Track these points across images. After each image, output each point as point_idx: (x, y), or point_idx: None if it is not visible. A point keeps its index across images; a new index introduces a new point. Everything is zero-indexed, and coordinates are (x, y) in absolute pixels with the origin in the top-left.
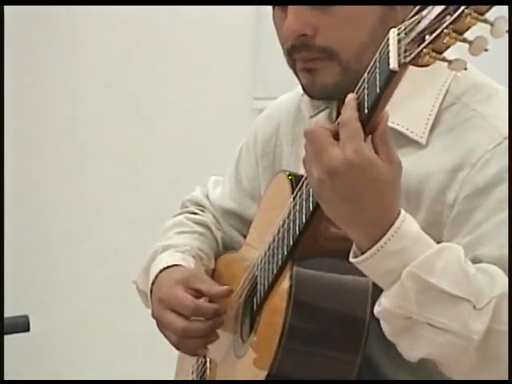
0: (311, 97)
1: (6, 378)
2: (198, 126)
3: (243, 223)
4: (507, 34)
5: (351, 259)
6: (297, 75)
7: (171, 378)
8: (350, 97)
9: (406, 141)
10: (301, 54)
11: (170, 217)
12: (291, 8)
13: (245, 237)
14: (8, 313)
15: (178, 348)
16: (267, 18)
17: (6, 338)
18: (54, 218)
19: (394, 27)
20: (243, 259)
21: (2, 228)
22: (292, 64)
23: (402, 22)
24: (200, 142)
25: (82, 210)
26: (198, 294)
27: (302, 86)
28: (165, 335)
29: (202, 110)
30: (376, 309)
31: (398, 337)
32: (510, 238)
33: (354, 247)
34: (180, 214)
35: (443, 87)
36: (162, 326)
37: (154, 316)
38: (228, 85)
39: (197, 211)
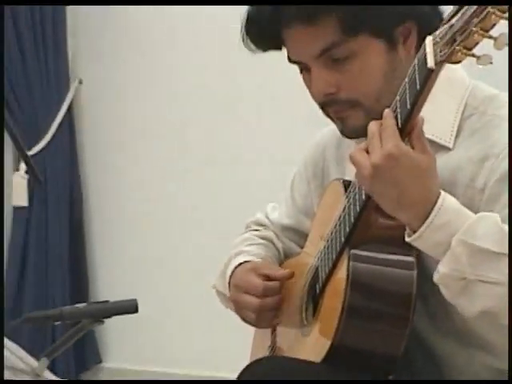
0: (348, 137)
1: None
2: (292, 144)
3: (299, 236)
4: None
5: (406, 239)
6: (333, 121)
7: None
8: (387, 111)
9: (437, 147)
10: (331, 108)
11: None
12: (313, 73)
13: (301, 247)
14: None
15: (255, 324)
16: None
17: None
18: (151, 212)
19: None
20: (303, 262)
21: (2, 227)
22: (327, 114)
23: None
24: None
25: (181, 208)
26: (266, 278)
27: (339, 130)
28: (242, 316)
29: (297, 129)
30: (435, 276)
31: (458, 297)
32: (510, 237)
33: (407, 229)
34: (245, 232)
35: (462, 101)
36: (239, 307)
37: (232, 301)
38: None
39: (260, 229)
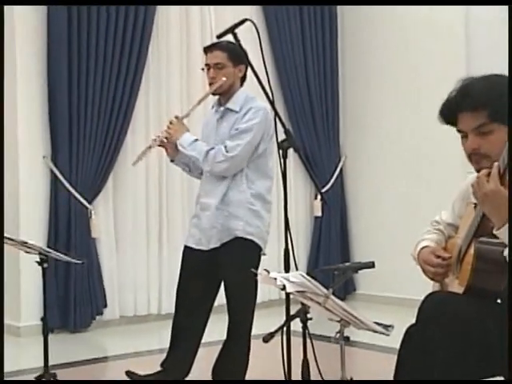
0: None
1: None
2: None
3: (455, 228)
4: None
5: (494, 231)
6: (471, 163)
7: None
8: (496, 164)
9: None
10: (474, 157)
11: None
12: (469, 138)
13: (456, 233)
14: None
15: (432, 280)
16: None
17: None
18: (389, 210)
19: None
20: (455, 242)
21: (2, 226)
22: (470, 160)
23: None
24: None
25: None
26: (438, 257)
27: (475, 169)
28: (425, 275)
29: (441, 172)
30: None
31: None
32: (510, 238)
33: (495, 227)
34: (429, 226)
35: None
36: (423, 271)
37: (421, 268)
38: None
39: (435, 224)
